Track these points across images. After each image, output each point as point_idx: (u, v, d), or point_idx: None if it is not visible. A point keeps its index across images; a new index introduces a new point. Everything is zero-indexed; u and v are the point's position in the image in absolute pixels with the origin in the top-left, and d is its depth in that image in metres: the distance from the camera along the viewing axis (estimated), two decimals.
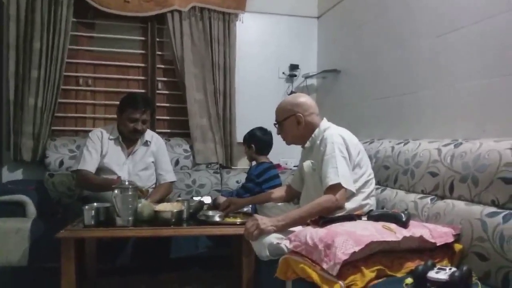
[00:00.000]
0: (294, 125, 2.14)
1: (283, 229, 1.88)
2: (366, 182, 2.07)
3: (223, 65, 3.64)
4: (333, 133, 2.03)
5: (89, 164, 2.63)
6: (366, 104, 3.15)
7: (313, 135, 2.14)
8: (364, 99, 3.19)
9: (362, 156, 2.09)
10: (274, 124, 2.25)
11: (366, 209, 2.03)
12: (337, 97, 3.63)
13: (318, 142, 2.09)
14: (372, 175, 2.14)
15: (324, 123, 2.16)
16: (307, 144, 2.16)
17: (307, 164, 2.13)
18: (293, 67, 3.91)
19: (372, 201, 2.09)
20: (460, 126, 2.19)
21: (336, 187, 1.90)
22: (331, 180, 1.90)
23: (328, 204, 1.88)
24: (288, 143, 2.26)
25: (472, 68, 2.13)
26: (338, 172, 1.91)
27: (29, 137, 3.23)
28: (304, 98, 2.20)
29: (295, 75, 3.93)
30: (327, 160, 1.96)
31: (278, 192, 2.45)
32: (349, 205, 1.98)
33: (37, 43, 3.20)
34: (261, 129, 2.94)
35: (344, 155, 1.97)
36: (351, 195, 1.99)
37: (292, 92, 3.88)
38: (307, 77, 3.90)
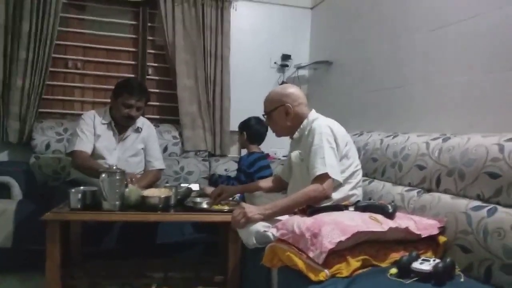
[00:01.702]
0: (283, 115, 2.14)
1: (270, 217, 1.89)
2: (353, 173, 2.08)
3: (214, 52, 3.61)
4: (321, 124, 2.03)
5: (86, 145, 2.61)
6: (356, 96, 3.16)
7: (301, 126, 2.14)
8: (354, 91, 3.20)
9: (350, 147, 2.10)
10: (263, 115, 2.25)
11: (353, 199, 2.04)
12: (328, 88, 3.64)
13: (306, 132, 2.09)
14: (359, 166, 2.15)
15: (313, 114, 2.16)
16: (296, 135, 2.16)
17: (295, 154, 2.13)
18: (285, 57, 3.90)
19: (359, 192, 2.11)
20: (449, 121, 2.21)
21: (323, 177, 1.91)
22: (319, 170, 1.91)
23: (315, 193, 1.89)
24: (277, 134, 2.26)
25: (462, 63, 2.15)
26: (326, 162, 1.92)
27: (15, 118, 3.18)
28: (292, 89, 2.20)
29: (287, 65, 3.92)
30: (314, 150, 1.96)
31: (267, 182, 2.45)
32: (336, 195, 1.99)
33: (26, 24, 3.14)
34: (256, 118, 2.94)
35: (332, 145, 1.98)
36: (338, 185, 2.00)
37: (283, 83, 3.87)
38: (299, 67, 3.89)
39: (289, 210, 1.90)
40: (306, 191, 1.90)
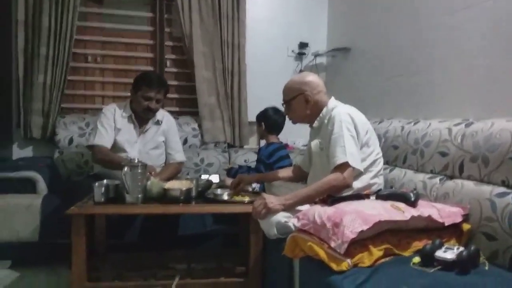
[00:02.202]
0: (302, 104, 2.12)
1: (290, 207, 1.88)
2: (374, 161, 2.06)
3: (231, 42, 3.61)
4: (341, 112, 2.01)
5: (106, 139, 2.65)
6: (376, 83, 3.12)
7: (321, 114, 2.12)
8: (374, 78, 3.15)
9: (370, 135, 2.07)
10: (282, 104, 2.24)
11: (374, 188, 2.02)
12: (347, 75, 3.60)
13: (326, 121, 2.07)
14: (380, 154, 2.12)
15: (332, 102, 2.13)
16: (315, 124, 2.14)
17: (315, 143, 2.12)
18: (303, 45, 3.86)
19: (380, 180, 2.08)
20: (472, 106, 2.16)
21: (344, 166, 1.89)
22: (339, 159, 1.89)
23: (335, 182, 1.87)
24: (295, 122, 2.25)
25: (485, 46, 2.09)
26: (346, 151, 1.90)
27: (38, 114, 3.25)
28: (311, 77, 2.17)
29: (305, 54, 3.89)
30: (335, 139, 1.94)
31: (286, 171, 2.45)
32: (357, 184, 1.97)
33: (45, 19, 3.19)
34: (274, 108, 2.93)
35: (352, 133, 1.96)
36: (359, 174, 1.98)
37: (301, 71, 3.84)
38: (316, 55, 3.85)
39: (309, 200, 1.90)
40: (326, 180, 1.89)
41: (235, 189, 2.30)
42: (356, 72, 3.44)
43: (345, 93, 3.50)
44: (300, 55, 3.89)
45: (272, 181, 2.43)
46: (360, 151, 1.98)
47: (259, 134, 3.07)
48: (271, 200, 1.88)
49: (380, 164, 2.10)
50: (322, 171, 2.00)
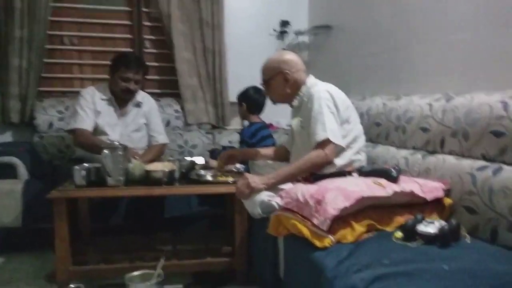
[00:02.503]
0: (282, 83, 2.11)
1: (273, 186, 1.89)
2: (355, 138, 2.06)
3: (211, 22, 3.54)
4: (320, 89, 2.00)
5: (87, 122, 2.61)
6: (358, 61, 3.11)
7: (300, 93, 2.11)
8: (356, 56, 3.14)
9: (351, 112, 2.07)
10: (261, 84, 2.22)
11: (356, 164, 2.03)
12: (329, 54, 3.58)
13: (305, 99, 2.06)
14: (362, 131, 2.13)
15: (311, 80, 2.13)
16: (295, 103, 2.14)
17: (296, 122, 2.12)
18: (284, 23, 3.81)
19: (362, 157, 2.09)
20: (453, 80, 2.17)
21: (325, 143, 1.89)
22: (320, 136, 1.89)
23: (317, 159, 1.87)
24: (275, 102, 2.24)
25: (464, 20, 2.09)
26: (326, 127, 1.90)
27: (16, 98, 3.17)
28: (290, 55, 2.16)
29: (286, 32, 3.84)
30: (315, 116, 1.94)
31: (267, 150, 2.44)
32: (339, 161, 1.97)
33: (17, 1, 3.08)
34: (254, 88, 2.90)
35: (332, 110, 1.95)
36: (340, 150, 1.98)
37: (283, 50, 3.81)
38: (298, 33, 3.81)
39: (292, 178, 1.90)
40: (308, 157, 1.89)
41: (223, 163, 2.29)
42: (338, 49, 3.42)
43: (328, 71, 3.49)
44: (281, 34, 3.84)
45: (252, 159, 2.42)
46: (341, 128, 1.98)
47: (241, 115, 3.05)
48: (254, 179, 1.88)
49: (362, 140, 2.11)
50: (304, 149, 1.99)
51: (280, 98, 2.19)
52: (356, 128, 2.08)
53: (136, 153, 2.47)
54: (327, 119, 1.91)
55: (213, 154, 3.02)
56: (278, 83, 2.12)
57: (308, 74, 2.17)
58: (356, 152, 2.05)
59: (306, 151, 1.94)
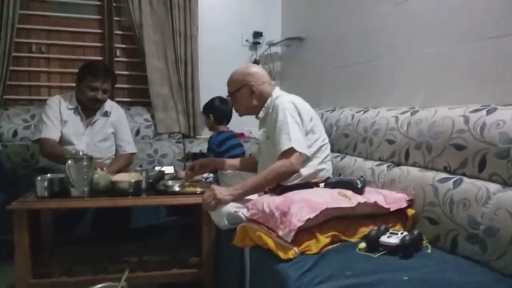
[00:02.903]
0: (248, 95, 2.12)
1: (240, 197, 1.88)
2: (320, 147, 2.08)
3: (183, 32, 3.53)
4: (284, 100, 2.02)
5: (53, 132, 2.56)
6: (329, 72, 3.15)
7: (266, 104, 2.13)
8: (327, 68, 3.18)
9: (315, 122, 2.10)
10: (227, 96, 2.23)
11: (322, 174, 2.05)
12: (301, 65, 3.61)
13: (270, 110, 2.08)
14: (327, 141, 2.16)
15: (276, 92, 2.15)
16: (261, 114, 2.15)
17: (261, 133, 2.13)
18: (257, 34, 3.84)
19: (328, 166, 2.11)
20: (418, 94, 2.21)
21: (290, 152, 1.89)
22: (284, 145, 1.90)
23: (283, 169, 1.88)
24: (241, 114, 2.25)
25: (431, 35, 2.14)
26: (291, 137, 1.91)
27: None
28: (255, 68, 2.19)
29: (259, 43, 3.87)
30: (279, 126, 1.95)
31: (234, 160, 2.44)
32: (305, 171, 1.99)
33: None
34: (220, 98, 2.90)
35: (296, 120, 1.97)
36: (306, 160, 2.00)
37: (256, 61, 3.83)
38: (271, 44, 3.85)
39: (259, 188, 1.90)
40: (273, 167, 1.89)
41: (194, 173, 2.28)
42: (310, 61, 3.46)
43: (300, 82, 3.52)
44: (254, 44, 3.87)
45: (220, 168, 2.40)
46: (305, 138, 2.00)
47: (208, 126, 3.03)
48: (221, 191, 1.87)
49: (327, 150, 2.14)
50: (270, 160, 2.00)
51: (246, 110, 2.20)
52: (321, 138, 2.11)
53: (102, 164, 2.43)
54: (291, 129, 1.92)
55: (189, 156, 3.01)
56: (244, 96, 2.13)
57: (274, 86, 2.18)
58: (321, 161, 2.07)
59: (272, 161, 1.94)
